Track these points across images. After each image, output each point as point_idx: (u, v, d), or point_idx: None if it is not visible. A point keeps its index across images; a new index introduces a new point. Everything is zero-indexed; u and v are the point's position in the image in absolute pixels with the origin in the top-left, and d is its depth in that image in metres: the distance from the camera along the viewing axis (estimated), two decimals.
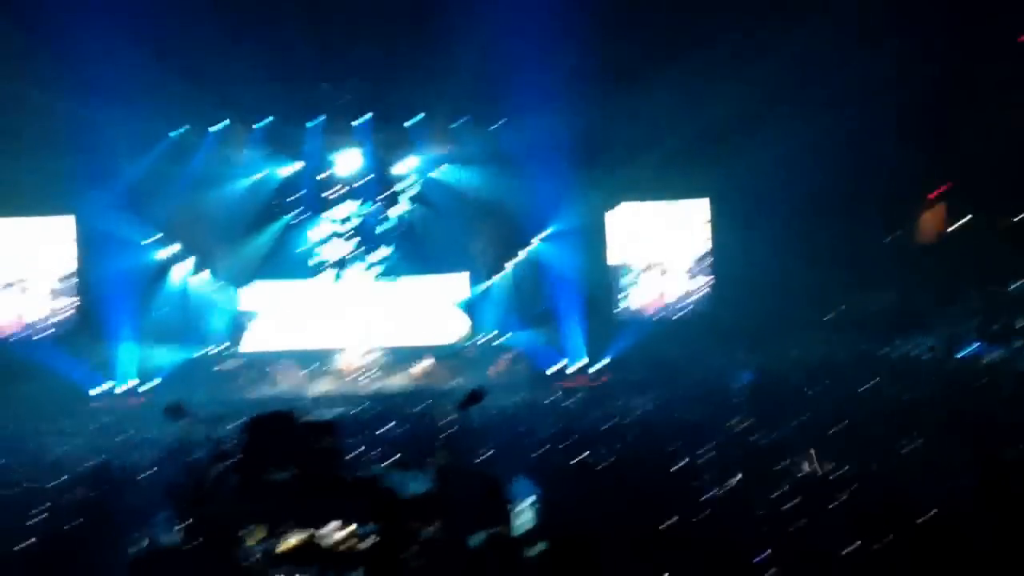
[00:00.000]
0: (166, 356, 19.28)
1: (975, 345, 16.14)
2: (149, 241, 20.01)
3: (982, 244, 17.02)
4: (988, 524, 7.35)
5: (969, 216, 17.64)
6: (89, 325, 18.80)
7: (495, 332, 21.60)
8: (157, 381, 18.91)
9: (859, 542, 7.40)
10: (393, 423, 15.28)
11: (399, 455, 12.80)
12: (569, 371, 20.13)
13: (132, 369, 18.87)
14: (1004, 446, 9.49)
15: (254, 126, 19.73)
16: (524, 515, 10.99)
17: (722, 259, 20.94)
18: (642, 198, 21.47)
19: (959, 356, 16.21)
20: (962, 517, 7.52)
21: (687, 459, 11.19)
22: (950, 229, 17.97)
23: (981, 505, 7.75)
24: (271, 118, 19.74)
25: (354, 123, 19.79)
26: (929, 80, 16.57)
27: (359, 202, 21.02)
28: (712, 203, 21.33)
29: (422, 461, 12.54)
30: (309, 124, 19.90)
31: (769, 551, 7.62)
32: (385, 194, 21.22)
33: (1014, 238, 16.81)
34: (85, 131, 16.98)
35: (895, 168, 17.21)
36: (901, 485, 9.03)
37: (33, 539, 9.16)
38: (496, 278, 22.17)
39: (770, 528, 8.42)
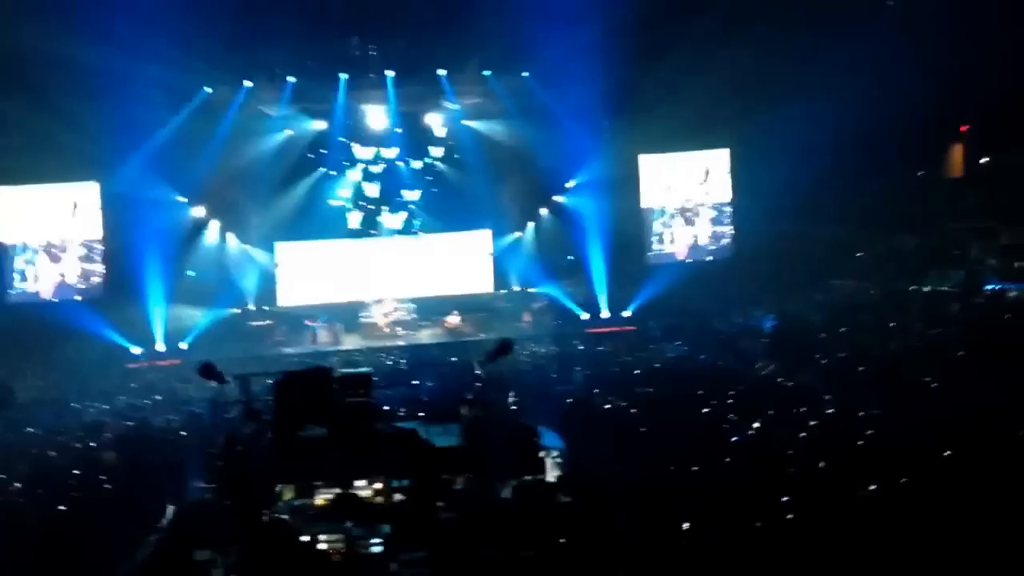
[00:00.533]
0: (200, 316, 19.45)
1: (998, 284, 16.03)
2: (179, 201, 20.07)
3: (1005, 181, 16.77)
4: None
5: (990, 156, 17.36)
6: (122, 288, 18.94)
7: (525, 283, 21.63)
8: (190, 341, 19.08)
9: (876, 484, 7.46)
10: (424, 376, 15.39)
11: (430, 408, 12.94)
12: (599, 318, 20.12)
13: (166, 330, 19.06)
14: None
15: (285, 81, 19.58)
16: (555, 463, 11.12)
17: (745, 207, 20.84)
18: (665, 149, 21.39)
19: (986, 290, 16.08)
20: (980, 455, 7.54)
21: (714, 404, 11.25)
22: (980, 162, 17.66)
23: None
24: (299, 75, 19.57)
25: (385, 75, 19.60)
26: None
27: (389, 157, 20.96)
28: (734, 152, 21.33)
29: (453, 413, 12.67)
30: (341, 79, 19.73)
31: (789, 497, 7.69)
32: (414, 149, 21.16)
33: None
34: (111, 93, 16.92)
35: (918, 107, 16.89)
36: (921, 423, 9.01)
37: (76, 496, 9.40)
38: (526, 229, 22.16)
39: (794, 470, 8.46)
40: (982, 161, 17.60)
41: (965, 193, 18.41)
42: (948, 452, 7.75)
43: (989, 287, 16.11)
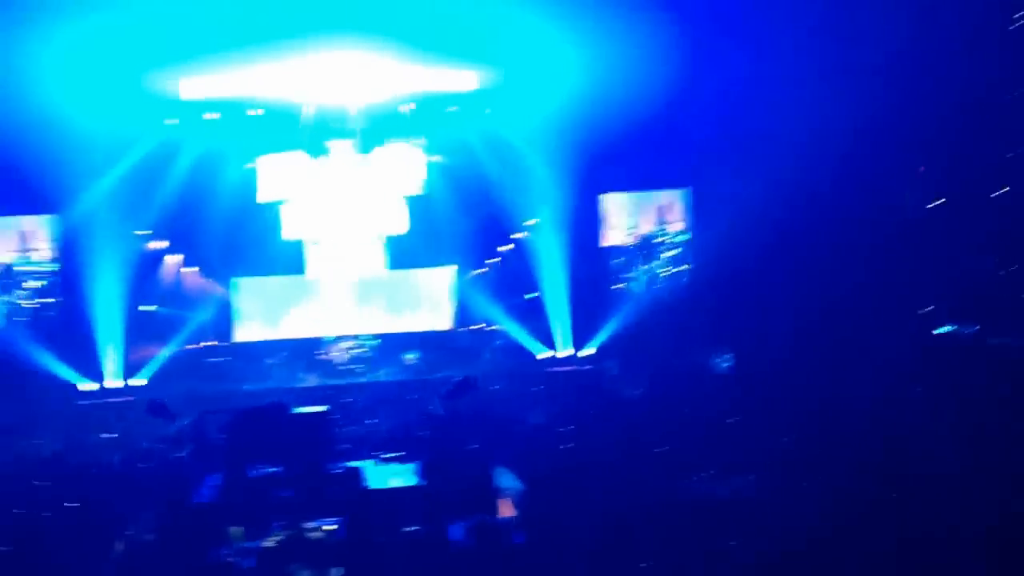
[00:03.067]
0: (154, 352, 19.19)
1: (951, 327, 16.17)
2: (138, 235, 19.87)
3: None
4: None
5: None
6: (76, 322, 18.66)
7: (485, 320, 21.56)
8: (146, 377, 18.81)
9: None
10: (383, 414, 15.28)
11: (387, 447, 12.83)
12: (558, 356, 20.08)
13: (119, 366, 18.77)
14: None
15: (247, 113, 19.56)
16: (512, 503, 11.02)
17: (704, 246, 21.01)
18: (625, 188, 21.53)
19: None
20: None
21: (672, 447, 11.22)
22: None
23: None
24: (261, 107, 19.56)
25: (351, 111, 19.62)
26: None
27: (351, 193, 20.82)
28: (693, 192, 21.53)
29: (409, 453, 12.59)
30: (302, 112, 19.72)
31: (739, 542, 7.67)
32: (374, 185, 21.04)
33: None
34: (70, 124, 16.85)
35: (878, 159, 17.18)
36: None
37: (15, 537, 9.15)
38: (487, 266, 22.13)
39: (749, 521, 8.44)
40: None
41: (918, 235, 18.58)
42: None
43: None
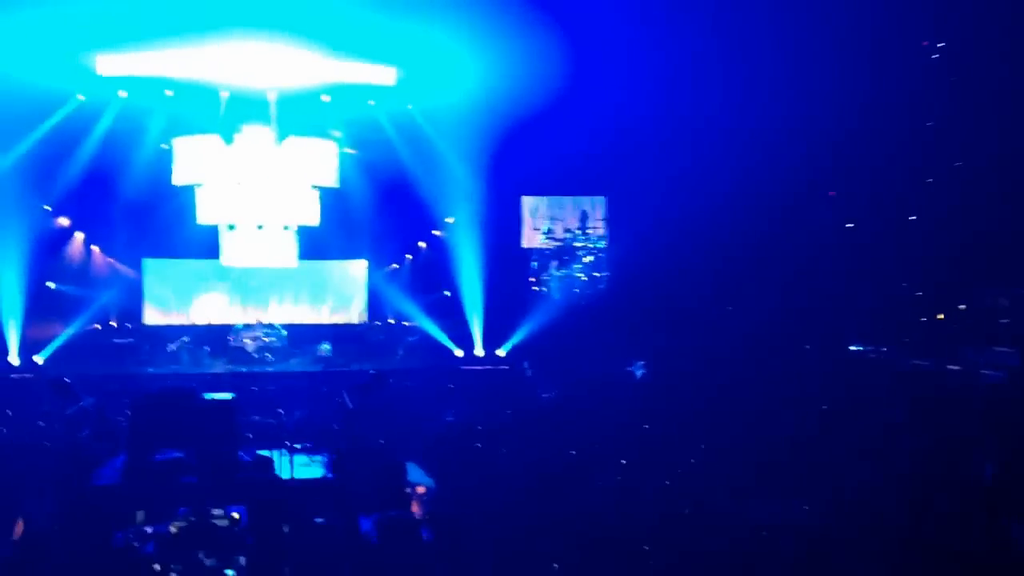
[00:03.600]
0: (58, 330, 18.65)
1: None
2: (44, 210, 19.31)
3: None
4: None
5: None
6: None
7: (399, 316, 21.47)
8: (47, 356, 18.27)
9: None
10: (293, 404, 15.07)
11: (297, 437, 12.67)
12: (474, 356, 20.09)
13: (21, 343, 18.20)
14: None
15: (164, 92, 19.16)
16: (421, 499, 11.00)
17: (620, 252, 21.26)
18: (546, 192, 21.72)
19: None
20: None
21: (582, 449, 11.34)
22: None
23: None
24: (177, 88, 19.15)
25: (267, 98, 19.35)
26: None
27: (265, 181, 20.46)
28: (610, 199, 21.84)
29: (320, 445, 12.45)
30: (219, 96, 19.38)
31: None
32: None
33: None
34: None
35: (791, 162, 17.58)
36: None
37: None
38: (403, 262, 22.05)
39: (654, 519, 8.59)
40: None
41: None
42: None
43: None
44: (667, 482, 9.93)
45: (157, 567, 7.83)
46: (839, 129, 17.07)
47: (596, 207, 21.96)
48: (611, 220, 21.78)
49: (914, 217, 16.89)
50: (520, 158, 19.31)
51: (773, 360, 15.39)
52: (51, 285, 19.40)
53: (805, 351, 16.35)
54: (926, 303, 16.47)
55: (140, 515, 9.10)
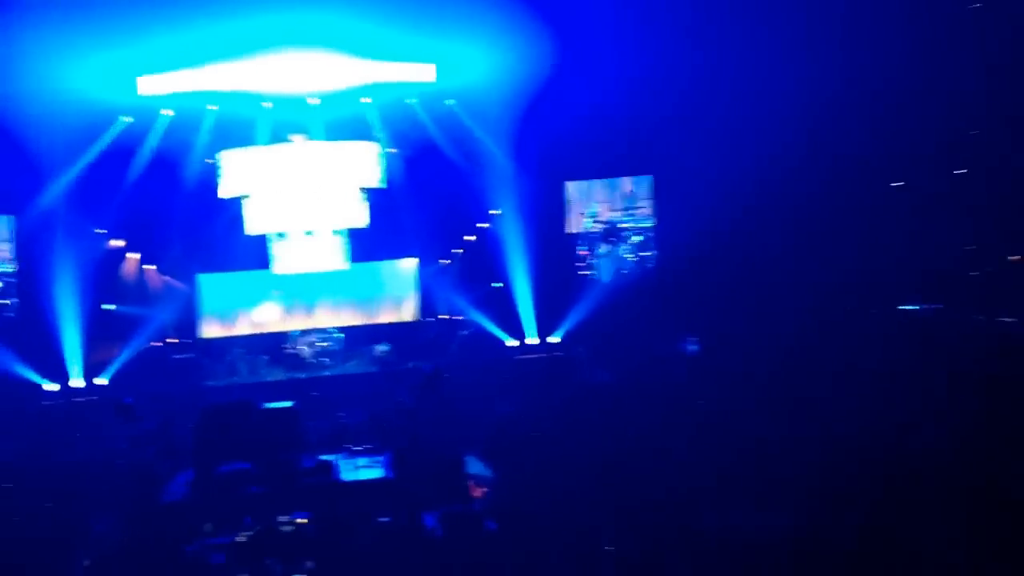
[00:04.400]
0: (117, 351, 18.97)
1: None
2: (97, 233, 19.65)
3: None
4: None
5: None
6: (37, 323, 18.39)
7: (451, 311, 21.54)
8: (109, 377, 18.60)
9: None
10: (352, 407, 15.24)
11: (357, 440, 12.82)
12: (526, 344, 20.10)
13: (82, 366, 18.54)
14: None
15: (206, 108, 19.40)
16: (482, 491, 11.05)
17: (668, 231, 21.09)
18: (590, 175, 21.57)
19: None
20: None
21: (641, 432, 11.31)
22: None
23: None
24: (219, 100, 19.39)
25: (309, 104, 19.50)
26: None
27: (311, 187, 20.60)
28: (657, 177, 21.55)
29: (380, 445, 12.58)
30: (261, 105, 19.58)
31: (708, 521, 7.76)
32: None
33: None
34: (26, 123, 16.69)
35: (838, 126, 17.33)
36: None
37: None
38: (451, 257, 22.11)
39: (715, 502, 8.53)
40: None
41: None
42: None
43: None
44: (723, 456, 9.87)
45: None
46: (885, 87, 16.81)
47: (642, 186, 21.81)
48: (658, 198, 21.62)
49: (963, 171, 16.59)
50: (562, 143, 19.28)
51: (829, 328, 15.22)
52: (108, 307, 19.72)
53: (860, 316, 16.12)
54: (977, 256, 16.17)
55: (208, 527, 9.26)
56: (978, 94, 16.13)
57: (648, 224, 21.67)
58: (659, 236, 21.56)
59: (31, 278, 18.72)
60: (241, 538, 8.87)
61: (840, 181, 17.69)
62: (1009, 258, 15.80)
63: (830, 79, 16.70)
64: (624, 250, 21.69)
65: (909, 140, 17.07)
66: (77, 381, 18.36)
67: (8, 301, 19.12)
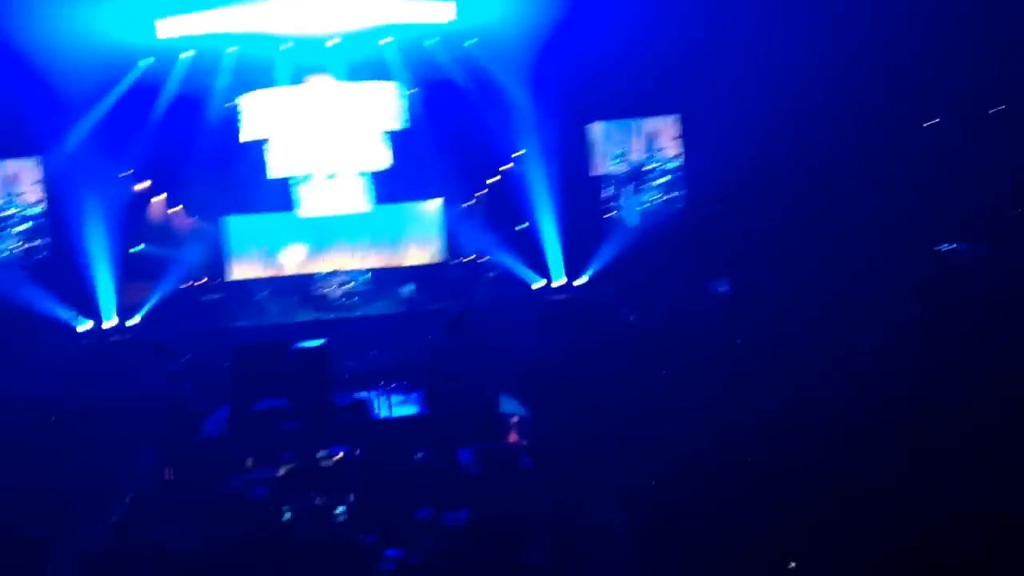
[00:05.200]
0: (148, 291, 19.14)
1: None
2: (123, 175, 19.70)
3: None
4: None
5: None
6: (67, 265, 18.55)
7: (478, 252, 21.56)
8: (140, 317, 18.78)
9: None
10: (382, 347, 15.35)
11: (390, 378, 12.93)
12: (553, 286, 20.12)
13: (115, 306, 18.72)
14: None
15: (225, 51, 19.33)
16: (516, 428, 11.16)
17: (696, 172, 20.93)
18: (614, 116, 21.33)
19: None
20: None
21: (670, 371, 11.36)
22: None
23: None
24: (239, 42, 19.29)
25: (326, 44, 19.36)
26: None
27: (333, 129, 20.55)
28: (683, 117, 21.26)
29: (413, 383, 12.69)
30: (280, 47, 19.48)
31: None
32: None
33: None
34: (49, 66, 16.69)
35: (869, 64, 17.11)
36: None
37: (27, 477, 9.22)
38: (476, 198, 22.07)
39: (745, 447, 8.54)
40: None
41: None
42: None
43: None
44: (756, 398, 9.89)
45: (270, 510, 8.08)
46: (916, 28, 16.56)
47: (669, 126, 21.58)
48: (686, 138, 21.40)
49: (995, 109, 16.39)
50: (586, 83, 19.12)
51: (860, 267, 15.16)
52: (136, 249, 19.84)
53: (894, 256, 16.03)
54: (1013, 197, 16.02)
55: (249, 462, 9.41)
56: (1014, 30, 15.86)
57: (675, 164, 21.51)
58: (687, 176, 21.39)
59: (60, 219, 18.85)
60: (281, 472, 9.01)
61: (872, 119, 17.50)
62: None
63: (864, 13, 16.44)
64: (651, 190, 21.56)
65: (944, 76, 16.86)
66: (110, 321, 18.58)
67: (39, 241, 19.28)
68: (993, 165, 16.27)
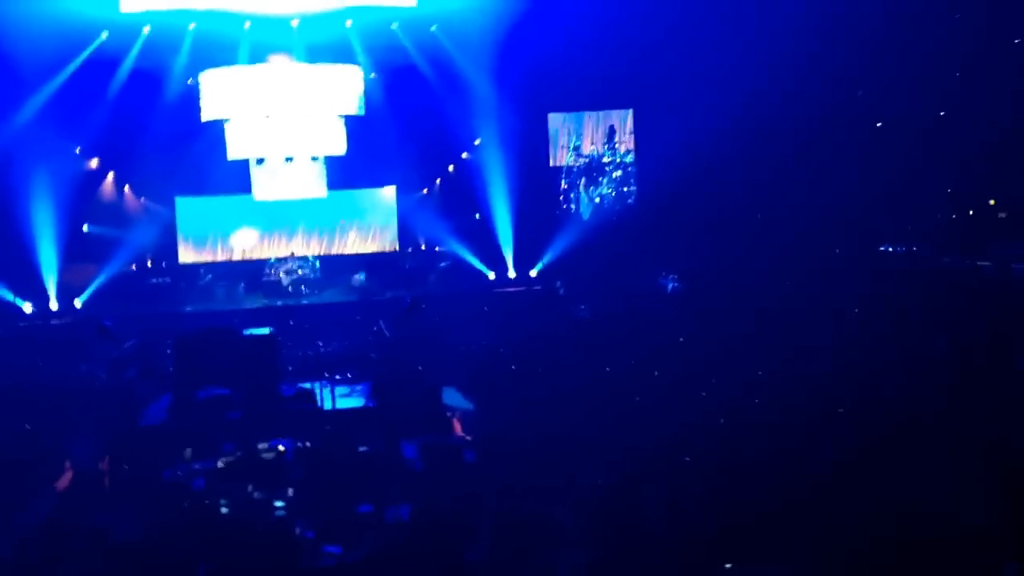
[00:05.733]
0: (96, 273, 18.80)
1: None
2: (74, 153, 19.34)
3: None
4: None
5: None
6: (12, 244, 18.13)
7: (430, 242, 21.48)
8: (85, 299, 18.44)
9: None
10: (330, 336, 15.21)
11: (336, 368, 12.82)
12: (506, 278, 20.09)
13: (60, 288, 18.37)
14: None
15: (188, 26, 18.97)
16: (460, 422, 11.12)
17: (649, 167, 21.01)
18: (572, 108, 21.35)
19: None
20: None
21: (618, 365, 11.38)
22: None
23: None
24: (200, 19, 18.92)
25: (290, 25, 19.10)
26: None
27: (291, 111, 20.27)
28: (637, 112, 21.43)
29: (359, 374, 12.60)
30: (243, 27, 19.17)
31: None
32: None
33: None
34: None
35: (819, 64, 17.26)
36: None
37: None
38: (431, 187, 21.97)
39: (692, 441, 8.59)
40: None
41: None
42: None
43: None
44: (703, 393, 9.95)
45: (207, 501, 7.97)
46: (867, 27, 16.70)
47: (624, 120, 21.66)
48: (639, 133, 21.49)
49: (943, 113, 16.58)
50: (546, 73, 19.11)
51: (804, 266, 15.30)
52: (88, 229, 19.50)
53: (836, 255, 16.21)
54: (956, 200, 16.25)
55: (188, 452, 9.26)
56: (964, 39, 16.07)
57: (629, 159, 21.57)
58: (640, 171, 21.49)
59: (6, 195, 18.38)
60: (221, 463, 8.88)
61: (823, 119, 17.66)
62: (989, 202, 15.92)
63: (816, 12, 16.54)
64: (605, 184, 21.61)
65: (896, 78, 17.03)
66: (54, 303, 18.22)
67: None
68: (938, 169, 16.50)
